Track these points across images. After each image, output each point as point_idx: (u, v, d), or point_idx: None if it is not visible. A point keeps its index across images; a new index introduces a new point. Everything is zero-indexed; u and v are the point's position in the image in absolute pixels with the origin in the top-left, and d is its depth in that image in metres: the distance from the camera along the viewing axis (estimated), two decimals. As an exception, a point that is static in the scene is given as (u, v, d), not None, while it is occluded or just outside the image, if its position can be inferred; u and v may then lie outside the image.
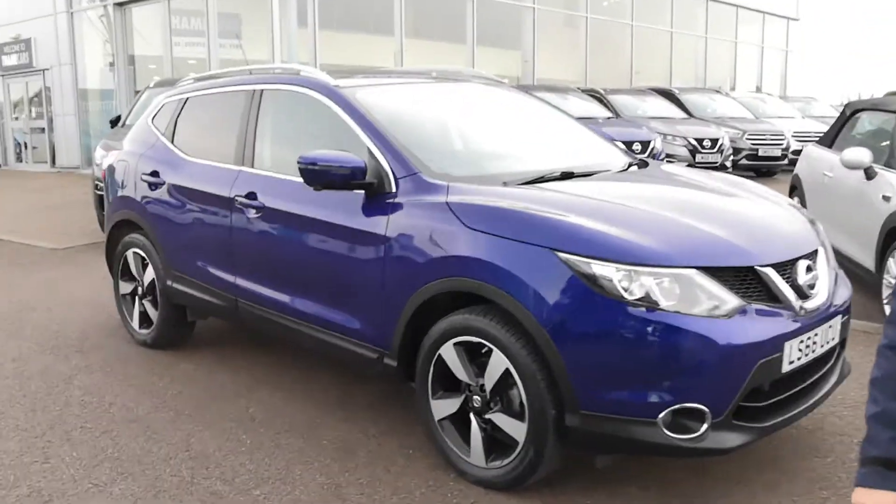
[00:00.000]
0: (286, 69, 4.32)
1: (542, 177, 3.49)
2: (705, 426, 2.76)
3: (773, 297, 2.90)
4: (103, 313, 5.69)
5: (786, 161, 14.97)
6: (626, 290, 2.73)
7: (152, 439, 3.60)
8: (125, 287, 5.06)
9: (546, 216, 2.96)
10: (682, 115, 15.20)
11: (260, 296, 4.00)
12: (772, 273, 2.91)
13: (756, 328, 2.82)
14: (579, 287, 2.78)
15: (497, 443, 3.11)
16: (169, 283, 4.63)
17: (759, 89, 25.01)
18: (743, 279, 2.87)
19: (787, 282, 2.95)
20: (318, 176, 3.41)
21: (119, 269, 5.07)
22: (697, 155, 13.17)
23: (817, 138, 15.38)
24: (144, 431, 3.69)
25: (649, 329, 2.72)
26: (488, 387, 3.05)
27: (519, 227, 2.96)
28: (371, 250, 3.39)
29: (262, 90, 4.21)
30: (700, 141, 13.42)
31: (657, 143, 11.98)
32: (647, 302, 2.72)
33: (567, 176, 3.56)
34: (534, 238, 2.90)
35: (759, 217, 3.32)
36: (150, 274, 4.79)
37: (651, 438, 2.76)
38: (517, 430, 2.98)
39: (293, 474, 3.26)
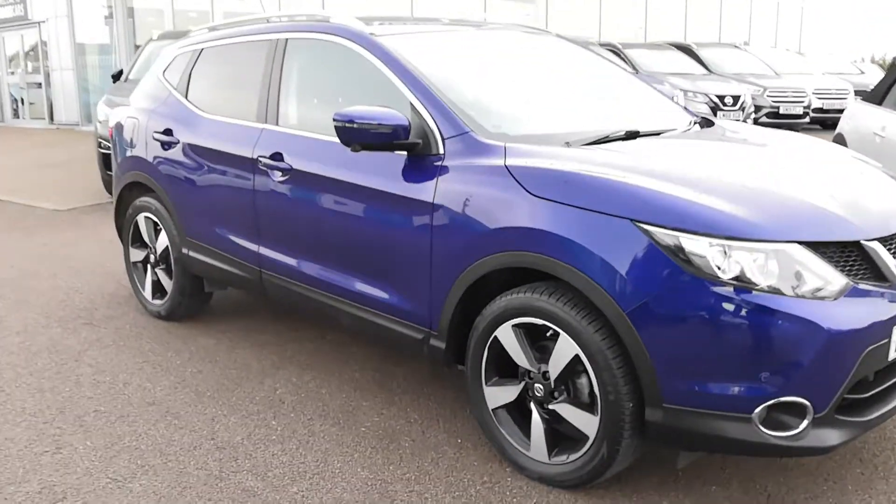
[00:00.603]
0: (313, 16, 3.91)
1: (605, 137, 3.12)
2: (805, 422, 2.43)
3: (879, 275, 2.56)
4: (113, 281, 5.35)
5: (807, 119, 14.54)
6: (719, 268, 2.39)
7: (173, 425, 3.28)
8: (136, 254, 4.71)
9: (624, 182, 2.59)
10: (702, 70, 14.72)
11: (288, 267, 3.65)
12: (879, 248, 2.56)
13: (864, 311, 2.47)
14: (665, 264, 2.43)
15: (561, 436, 2.80)
16: (184, 250, 4.28)
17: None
18: (847, 255, 2.52)
19: (894, 258, 2.61)
20: (355, 135, 3.04)
21: (130, 235, 4.71)
22: (719, 112, 12.72)
23: (839, 96, 15.11)
24: (164, 416, 3.37)
25: (745, 313, 2.37)
26: (553, 374, 2.72)
27: (593, 194, 2.60)
28: (416, 219, 3.03)
29: (286, 39, 3.81)
30: (721, 98, 12.97)
31: (679, 100, 11.54)
32: (743, 282, 2.38)
33: (632, 136, 3.20)
34: (611, 207, 2.54)
35: (856, 184, 2.96)
36: (163, 241, 4.44)
37: (744, 436, 2.44)
38: (587, 423, 2.66)
39: (332, 467, 2.94)
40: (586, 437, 2.67)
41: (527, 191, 2.71)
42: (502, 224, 2.76)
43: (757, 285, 2.37)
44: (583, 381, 2.70)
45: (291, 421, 3.31)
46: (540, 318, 2.70)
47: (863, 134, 6.44)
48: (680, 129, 3.53)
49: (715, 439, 2.48)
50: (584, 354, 2.60)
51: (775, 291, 2.37)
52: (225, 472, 2.91)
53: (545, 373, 2.76)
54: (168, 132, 4.27)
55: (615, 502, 2.72)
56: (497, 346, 2.87)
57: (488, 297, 2.91)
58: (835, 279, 2.44)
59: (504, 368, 2.91)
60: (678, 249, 2.42)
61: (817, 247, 2.46)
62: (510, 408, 2.90)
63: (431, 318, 3.07)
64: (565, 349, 2.65)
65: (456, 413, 3.36)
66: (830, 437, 2.48)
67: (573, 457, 2.72)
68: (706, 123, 3.76)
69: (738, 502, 2.73)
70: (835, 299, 2.42)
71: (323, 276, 3.48)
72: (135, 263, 4.73)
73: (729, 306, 2.38)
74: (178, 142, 4.19)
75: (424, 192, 3.00)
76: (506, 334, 2.82)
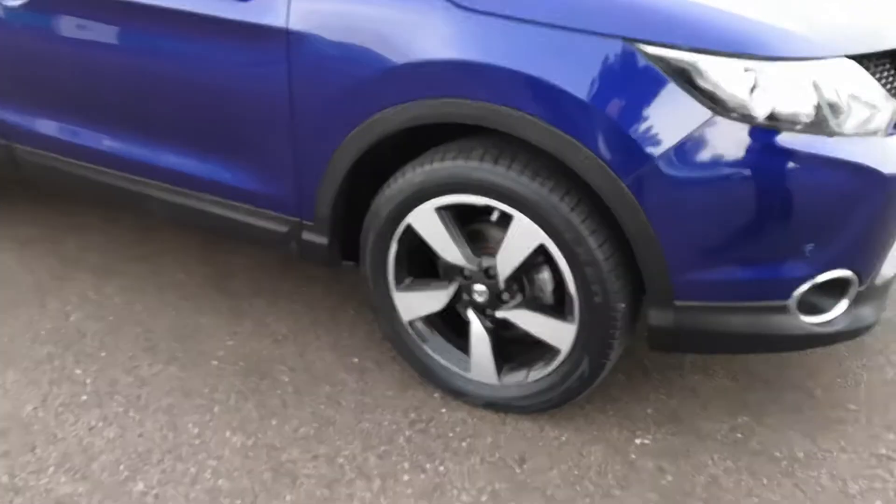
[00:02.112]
0: None
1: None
2: (847, 300, 1.84)
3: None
4: None
5: None
6: (752, 103, 1.63)
7: (-84, 402, 2.16)
8: None
9: (608, -18, 1.71)
10: None
11: (55, 139, 2.45)
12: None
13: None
14: (680, 103, 1.64)
15: (513, 348, 2.06)
16: None
17: None
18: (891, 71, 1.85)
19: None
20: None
21: None
22: None
23: None
24: None
25: (788, 163, 1.66)
26: (503, 272, 1.92)
27: (564, 2, 1.69)
28: (261, 56, 1.98)
29: None
30: None
31: None
32: (780, 120, 1.64)
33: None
34: (594, 22, 1.66)
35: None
36: None
37: (777, 329, 1.81)
38: (556, 333, 1.92)
39: (188, 437, 2.01)
40: (556, 351, 1.94)
41: (452, 2, 1.75)
42: (413, 57, 1.80)
43: (799, 123, 1.65)
44: (544, 276, 1.94)
45: (104, 365, 2.29)
46: (482, 195, 1.84)
47: None
48: None
49: (739, 338, 1.83)
50: (555, 244, 1.80)
51: (822, 129, 1.66)
52: (18, 478, 1.90)
53: (488, 269, 1.95)
54: None
55: (590, 422, 2.06)
56: (411, 237, 2.00)
57: (391, 168, 2.00)
58: (885, 105, 1.76)
59: (421, 267, 2.08)
60: (696, 80, 1.62)
61: (867, 61, 1.76)
62: (433, 318, 2.09)
63: (301, 203, 2.11)
64: (524, 237, 1.84)
65: (336, 316, 2.50)
66: (868, 314, 1.91)
67: (536, 375, 1.99)
68: None
69: (732, 393, 2.16)
70: (886, 134, 1.76)
71: (115, 148, 2.35)
72: None
73: (766, 156, 1.65)
74: None
75: (269, 11, 1.95)
76: (425, 220, 1.95)
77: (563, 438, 2.00)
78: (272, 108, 2.01)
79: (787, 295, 1.77)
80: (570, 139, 1.69)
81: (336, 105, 1.92)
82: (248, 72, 2.01)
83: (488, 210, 1.89)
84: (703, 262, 1.74)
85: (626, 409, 2.10)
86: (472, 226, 1.98)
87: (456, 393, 2.11)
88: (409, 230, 1.97)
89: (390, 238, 2.01)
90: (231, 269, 2.77)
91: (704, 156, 1.65)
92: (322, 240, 2.12)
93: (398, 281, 2.07)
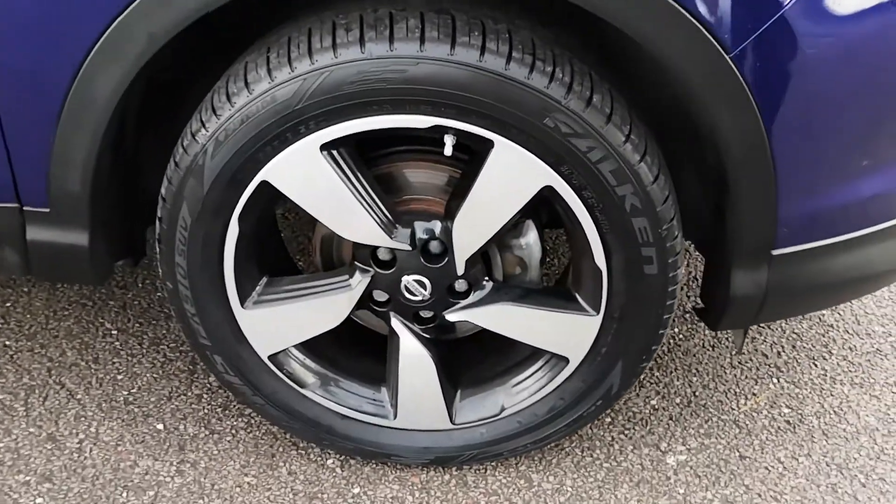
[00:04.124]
0: None
1: None
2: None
3: None
4: None
5: None
6: None
7: None
8: None
9: None
10: None
11: None
12: None
13: None
14: None
15: (462, 367, 1.22)
16: None
17: None
18: None
19: None
20: None
21: None
22: None
23: None
24: None
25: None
26: (465, 247, 1.04)
27: None
28: None
29: None
30: None
31: None
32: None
33: None
34: None
35: None
36: None
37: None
38: (565, 332, 1.12)
39: None
40: (559, 359, 1.13)
41: None
42: None
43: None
44: (527, 242, 1.10)
45: None
46: (428, 113, 0.93)
47: None
48: None
49: (849, 285, 1.19)
50: (573, 187, 0.97)
51: None
52: None
53: (426, 244, 1.06)
54: None
55: (591, 448, 1.30)
56: (264, 207, 1.04)
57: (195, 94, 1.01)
58: None
59: (282, 258, 1.14)
60: None
61: None
62: (315, 341, 1.16)
63: (19, 175, 1.02)
64: (512, 181, 0.99)
65: (91, 345, 1.44)
66: None
67: (522, 402, 1.17)
68: None
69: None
70: None
71: None
72: None
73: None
74: None
75: None
76: (300, 172, 0.99)
77: (567, 487, 1.23)
78: None
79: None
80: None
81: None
82: None
83: (437, 135, 0.98)
84: (828, 179, 1.02)
85: (625, 410, 1.37)
86: (380, 167, 1.07)
87: (373, 455, 1.22)
88: (265, 192, 1.00)
89: (228, 215, 1.02)
90: None
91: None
92: (75, 237, 1.06)
93: (244, 290, 1.09)
